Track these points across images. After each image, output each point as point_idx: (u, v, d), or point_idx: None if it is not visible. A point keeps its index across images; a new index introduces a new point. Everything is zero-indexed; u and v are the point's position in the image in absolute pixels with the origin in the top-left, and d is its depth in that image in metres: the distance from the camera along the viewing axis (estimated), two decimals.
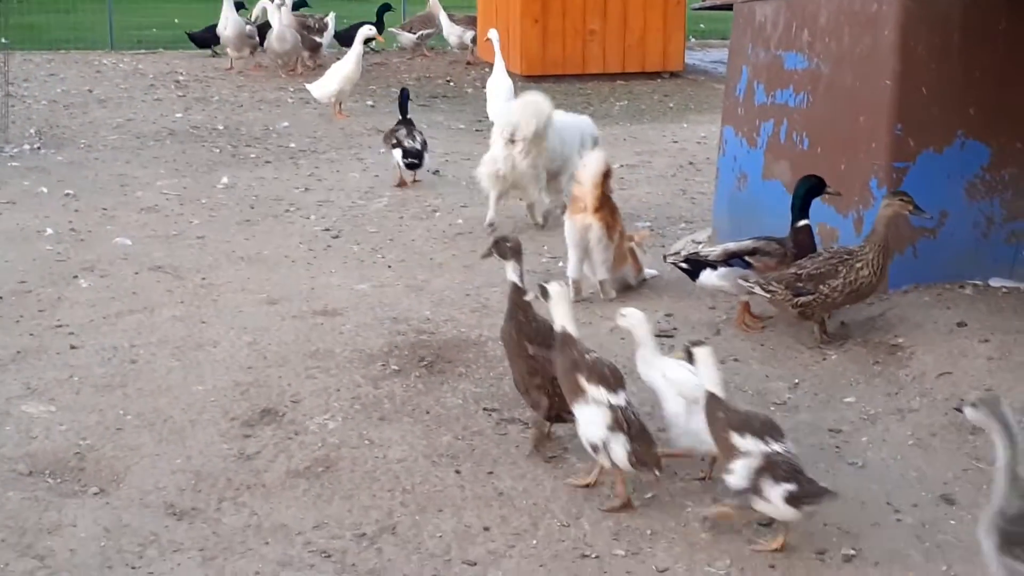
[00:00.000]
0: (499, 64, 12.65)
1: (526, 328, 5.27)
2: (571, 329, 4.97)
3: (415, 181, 10.68)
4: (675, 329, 6.91)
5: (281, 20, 15.75)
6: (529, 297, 5.23)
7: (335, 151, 11.87)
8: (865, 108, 7.13)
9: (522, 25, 16.25)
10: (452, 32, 17.80)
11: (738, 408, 4.65)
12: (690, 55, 18.01)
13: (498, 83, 12.46)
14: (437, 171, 11.15)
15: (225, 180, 10.64)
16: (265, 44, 16.27)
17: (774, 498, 4.41)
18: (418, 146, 10.46)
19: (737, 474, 4.49)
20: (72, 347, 6.70)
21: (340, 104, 13.63)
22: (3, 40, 13.47)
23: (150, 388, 6.13)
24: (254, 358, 6.48)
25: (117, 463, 5.38)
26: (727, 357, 6.50)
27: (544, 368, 5.14)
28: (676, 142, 12.55)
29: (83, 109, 14.01)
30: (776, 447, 4.46)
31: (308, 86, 13.81)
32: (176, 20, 22.62)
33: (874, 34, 7.09)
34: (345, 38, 16.43)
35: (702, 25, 21.60)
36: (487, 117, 12.98)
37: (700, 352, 4.65)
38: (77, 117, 13.54)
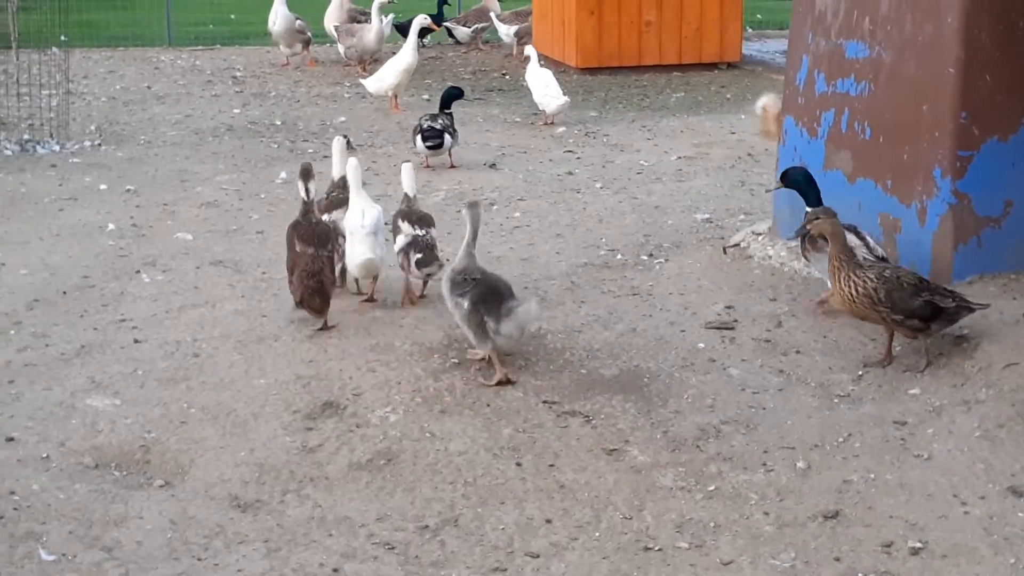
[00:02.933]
0: (533, 62, 12.98)
1: (300, 228, 6.90)
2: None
3: (451, 167, 10.85)
4: (736, 321, 6.89)
5: (381, 18, 15.92)
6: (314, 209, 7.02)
7: (392, 145, 11.91)
8: (928, 96, 7.06)
9: (578, 17, 16.21)
10: (501, 30, 17.91)
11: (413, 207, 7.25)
12: (747, 46, 17.89)
13: (537, 74, 12.85)
14: (494, 164, 11.18)
15: (283, 175, 10.70)
16: (352, 41, 16.22)
17: (412, 262, 7.00)
18: (437, 126, 10.71)
19: (397, 243, 7.15)
20: (136, 341, 6.78)
21: (396, 97, 13.68)
22: (63, 37, 13.62)
23: (213, 381, 6.20)
24: (315, 351, 6.53)
25: (182, 456, 5.45)
26: (789, 349, 6.48)
27: (303, 263, 6.76)
28: (734, 133, 12.49)
29: (142, 106, 14.15)
30: (419, 232, 7.10)
31: (363, 81, 13.87)
32: (232, 16, 22.78)
33: (937, 21, 7.02)
34: (403, 29, 16.51)
35: (759, 15, 21.44)
36: (539, 109, 13.02)
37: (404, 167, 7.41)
38: (136, 113, 13.69)
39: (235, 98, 14.69)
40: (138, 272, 8.05)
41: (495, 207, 9.67)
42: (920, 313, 6.08)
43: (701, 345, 6.57)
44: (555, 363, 6.32)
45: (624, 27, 16.28)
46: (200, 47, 19.03)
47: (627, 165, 11.11)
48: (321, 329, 6.82)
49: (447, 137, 10.82)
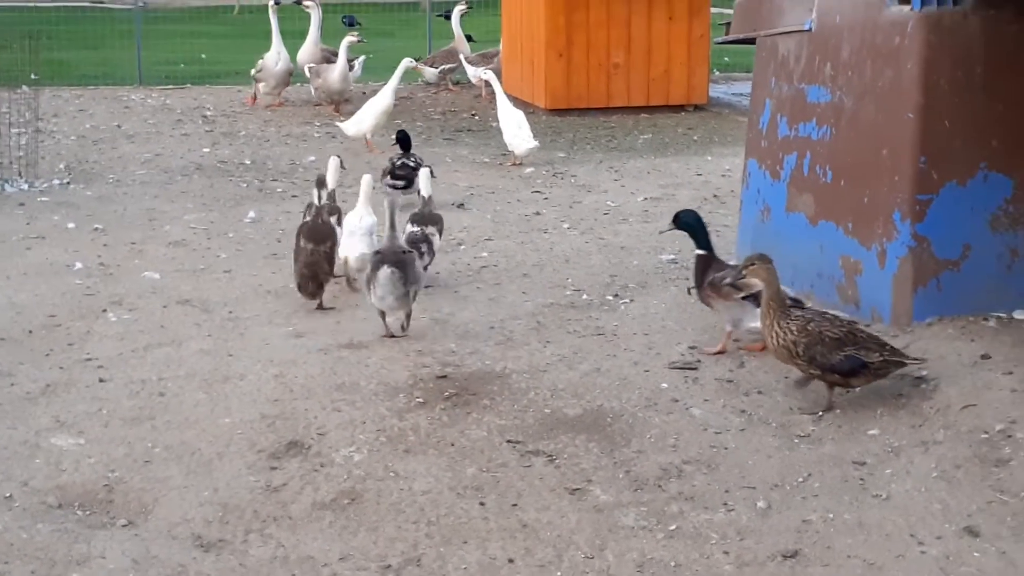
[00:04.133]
0: (501, 99, 13.05)
1: (305, 227, 8.12)
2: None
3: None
4: (699, 361, 6.96)
5: (348, 56, 16.10)
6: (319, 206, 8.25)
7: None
8: (888, 141, 7.17)
9: (547, 59, 16.36)
10: (469, 71, 18.09)
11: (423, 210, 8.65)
12: (714, 88, 18.10)
13: (508, 114, 12.91)
14: (462, 204, 11.24)
15: (252, 214, 10.75)
16: (319, 82, 16.29)
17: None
18: (410, 162, 10.88)
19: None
20: (101, 380, 6.79)
21: (371, 137, 13.74)
22: (33, 76, 13.65)
23: (178, 421, 6.21)
24: (280, 391, 6.56)
25: (145, 495, 5.45)
26: (751, 389, 6.54)
27: (305, 257, 7.95)
28: (700, 175, 12.62)
29: (112, 144, 14.18)
30: (415, 229, 8.42)
31: (340, 124, 13.91)
32: (203, 56, 22.85)
33: (896, 68, 7.14)
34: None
35: (726, 58, 21.68)
36: (508, 150, 13.12)
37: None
38: (106, 152, 13.71)
39: (205, 137, 14.75)
40: (105, 311, 8.05)
41: (463, 247, 9.73)
42: (839, 368, 6.10)
43: (664, 385, 6.62)
44: (519, 403, 6.36)
45: (592, 69, 16.43)
46: (171, 86, 19.09)
47: (594, 206, 11.20)
48: (317, 309, 8.02)
49: (418, 179, 10.81)
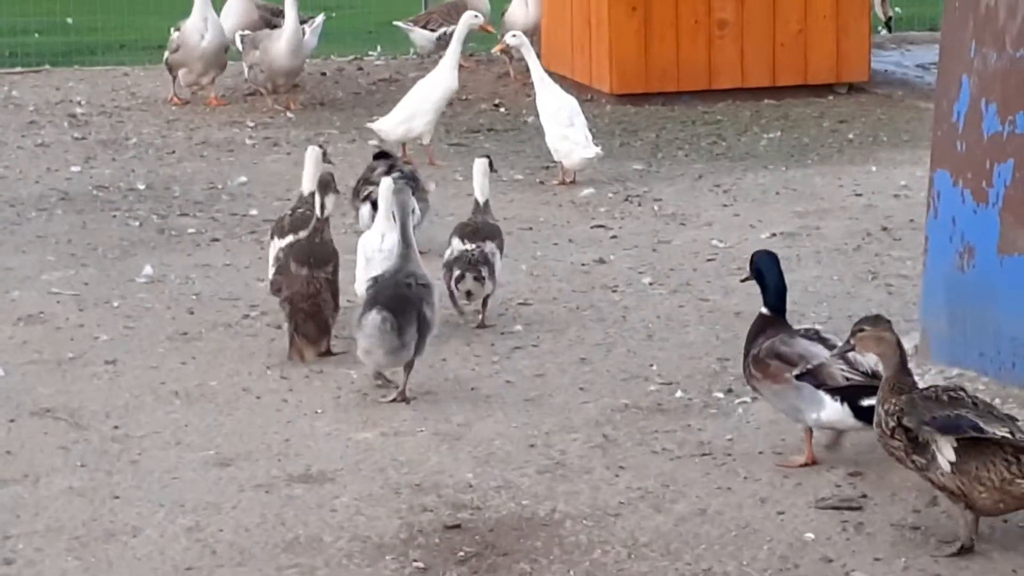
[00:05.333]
0: (541, 79, 13.22)
1: (297, 248, 9.07)
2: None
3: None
4: (864, 497, 6.93)
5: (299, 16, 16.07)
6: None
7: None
8: None
9: (611, 15, 16.34)
10: (417, 37, 18.36)
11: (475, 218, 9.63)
12: (879, 58, 18.10)
13: (552, 103, 13.08)
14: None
15: (149, 270, 10.76)
16: (258, 55, 16.24)
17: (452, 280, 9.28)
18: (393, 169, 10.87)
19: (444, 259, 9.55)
20: None
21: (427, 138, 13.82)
22: None
23: None
24: (196, 554, 6.55)
25: None
26: (949, 539, 6.48)
27: (303, 285, 8.84)
28: (860, 195, 12.59)
29: None
30: (469, 246, 9.36)
31: (375, 125, 13.85)
32: (69, 20, 23.00)
33: None
34: None
35: (898, 9, 21.64)
36: (554, 161, 13.17)
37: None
38: None
39: (74, 148, 14.83)
40: None
41: (481, 316, 9.71)
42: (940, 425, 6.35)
43: (810, 536, 6.60)
44: (579, 568, 6.34)
45: (685, 30, 16.41)
46: (18, 69, 19.20)
47: (691, 248, 11.19)
48: (323, 355, 8.89)
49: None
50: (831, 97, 16.58)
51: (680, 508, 6.86)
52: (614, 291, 10.22)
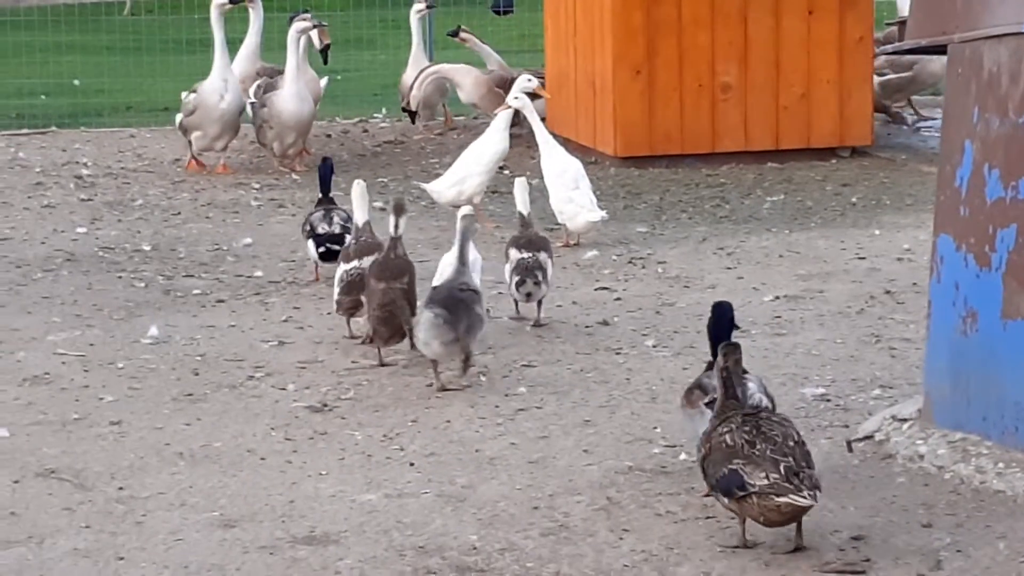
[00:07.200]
0: (545, 141, 13.32)
1: (375, 266, 10.12)
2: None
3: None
4: (867, 561, 6.91)
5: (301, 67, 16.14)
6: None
7: (325, 281, 12.00)
8: None
9: (615, 79, 16.40)
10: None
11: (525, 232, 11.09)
12: (882, 121, 18.13)
13: (556, 165, 13.19)
14: (487, 310, 11.25)
15: (154, 331, 10.79)
16: (264, 112, 16.13)
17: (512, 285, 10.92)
18: (336, 230, 11.74)
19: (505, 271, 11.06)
20: None
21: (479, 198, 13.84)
22: None
23: None
24: None
25: None
26: None
27: (380, 296, 9.86)
28: (863, 258, 12.61)
29: None
30: (525, 255, 10.82)
31: (428, 186, 13.98)
32: (76, 81, 23.05)
33: None
34: None
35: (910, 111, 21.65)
36: (558, 223, 13.22)
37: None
38: None
39: (80, 210, 14.87)
40: None
41: (485, 378, 9.74)
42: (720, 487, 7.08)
43: None
44: None
45: (689, 94, 16.46)
46: (25, 130, 19.25)
47: (695, 310, 11.18)
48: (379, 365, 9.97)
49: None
50: (834, 161, 16.64)
51: (684, 571, 6.87)
52: (618, 353, 10.26)
